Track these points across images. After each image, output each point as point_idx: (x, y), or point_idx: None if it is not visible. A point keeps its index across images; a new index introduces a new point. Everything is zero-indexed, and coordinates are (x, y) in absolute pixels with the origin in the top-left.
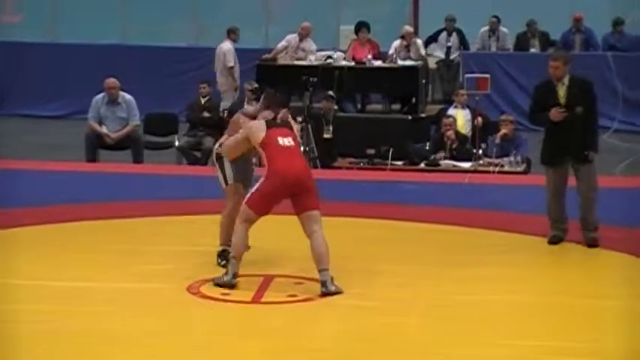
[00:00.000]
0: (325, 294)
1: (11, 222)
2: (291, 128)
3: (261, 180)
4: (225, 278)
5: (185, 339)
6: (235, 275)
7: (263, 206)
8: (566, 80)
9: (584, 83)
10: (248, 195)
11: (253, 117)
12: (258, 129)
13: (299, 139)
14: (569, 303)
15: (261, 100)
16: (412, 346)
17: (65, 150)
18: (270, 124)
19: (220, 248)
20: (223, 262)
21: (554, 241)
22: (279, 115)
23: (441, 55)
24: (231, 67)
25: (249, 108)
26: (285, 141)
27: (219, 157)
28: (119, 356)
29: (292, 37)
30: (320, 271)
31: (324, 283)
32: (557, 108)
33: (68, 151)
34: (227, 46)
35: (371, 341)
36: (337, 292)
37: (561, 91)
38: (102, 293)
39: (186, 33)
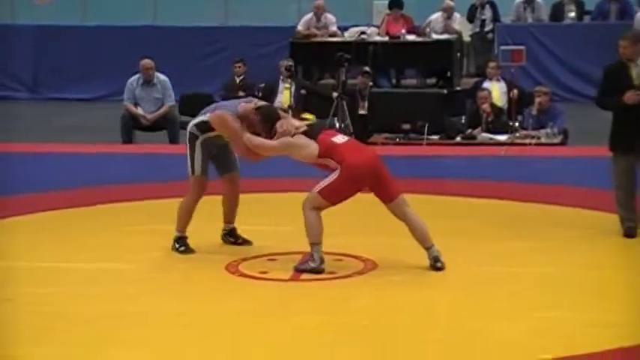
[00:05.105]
0: (439, 269)
1: (46, 205)
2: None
3: (337, 173)
4: (313, 264)
5: (223, 317)
6: (322, 261)
7: (338, 198)
8: (639, 61)
9: None
10: (322, 186)
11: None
12: (308, 146)
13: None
14: (603, 275)
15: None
16: (447, 321)
17: (100, 132)
18: (310, 134)
19: (177, 234)
20: (182, 249)
21: (630, 233)
22: (279, 123)
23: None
24: None
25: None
26: (339, 137)
27: (192, 139)
28: (154, 337)
29: (308, 18)
30: (427, 248)
31: (436, 259)
32: (633, 91)
33: (103, 133)
34: None
35: (408, 316)
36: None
37: (634, 72)
38: (139, 274)
39: (217, 13)
